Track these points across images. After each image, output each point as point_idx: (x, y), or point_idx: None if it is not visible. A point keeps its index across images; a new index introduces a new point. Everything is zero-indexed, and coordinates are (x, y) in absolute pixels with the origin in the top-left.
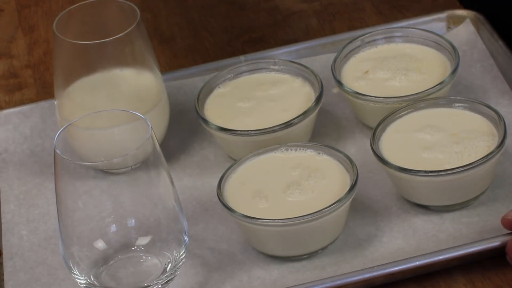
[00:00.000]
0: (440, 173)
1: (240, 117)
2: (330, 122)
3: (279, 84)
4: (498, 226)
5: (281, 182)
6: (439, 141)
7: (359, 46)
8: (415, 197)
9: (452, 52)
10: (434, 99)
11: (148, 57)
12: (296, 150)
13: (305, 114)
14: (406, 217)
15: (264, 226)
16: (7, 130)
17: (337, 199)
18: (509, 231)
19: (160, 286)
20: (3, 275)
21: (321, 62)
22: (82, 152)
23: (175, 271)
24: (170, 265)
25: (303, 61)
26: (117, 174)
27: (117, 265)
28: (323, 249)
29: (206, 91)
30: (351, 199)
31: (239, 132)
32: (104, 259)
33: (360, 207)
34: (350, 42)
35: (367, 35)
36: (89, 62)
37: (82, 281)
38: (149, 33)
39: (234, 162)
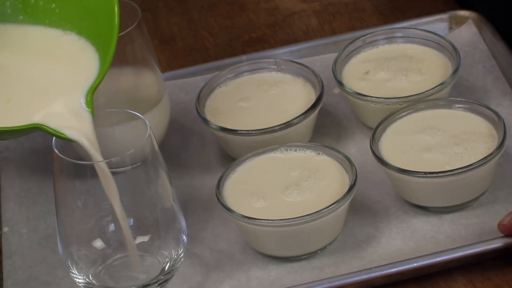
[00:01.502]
0: (439, 174)
1: (240, 116)
2: (331, 122)
3: (280, 84)
4: (497, 228)
5: (280, 182)
6: (439, 142)
7: (360, 46)
8: (414, 198)
9: (453, 52)
10: (434, 100)
11: (149, 56)
12: (295, 150)
13: (305, 114)
14: (405, 218)
15: (262, 227)
16: None
17: (336, 200)
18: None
19: (158, 285)
20: (2, 273)
21: (322, 62)
22: (81, 151)
23: (174, 270)
24: (168, 264)
25: (304, 61)
26: (116, 173)
27: (116, 264)
28: (321, 249)
29: (207, 90)
30: (349, 200)
31: (239, 132)
32: (102, 258)
33: (359, 208)
34: (352, 42)
35: (368, 35)
36: None
37: (80, 280)
38: (149, 33)
39: (233, 162)
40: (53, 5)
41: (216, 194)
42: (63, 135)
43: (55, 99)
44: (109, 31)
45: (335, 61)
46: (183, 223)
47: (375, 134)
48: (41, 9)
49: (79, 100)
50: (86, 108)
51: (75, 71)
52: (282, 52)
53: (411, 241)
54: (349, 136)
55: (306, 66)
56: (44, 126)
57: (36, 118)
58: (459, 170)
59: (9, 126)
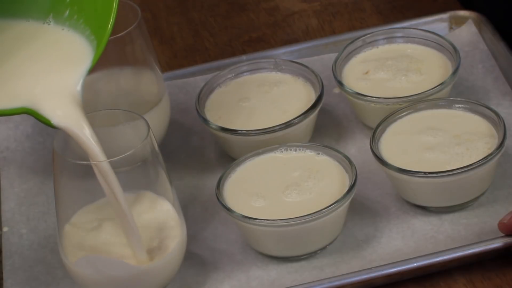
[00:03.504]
0: (439, 174)
1: (240, 117)
2: (331, 122)
3: (280, 84)
4: (497, 228)
5: (280, 182)
6: (440, 142)
7: (360, 46)
8: (414, 198)
9: (453, 52)
10: (434, 100)
11: (149, 56)
12: (295, 150)
13: (305, 114)
14: (405, 218)
15: (262, 227)
16: (9, 128)
17: (335, 200)
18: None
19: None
20: (2, 273)
21: (322, 62)
22: (81, 151)
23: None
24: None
25: (304, 61)
26: (116, 173)
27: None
28: (321, 249)
29: (207, 90)
30: (349, 200)
31: (239, 132)
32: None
33: (359, 208)
34: (352, 42)
35: (368, 35)
36: None
37: (80, 280)
38: (149, 33)
39: (233, 162)
40: None
41: (216, 194)
42: (49, 122)
43: (47, 86)
44: (106, 16)
45: (335, 61)
46: (183, 223)
47: (375, 134)
48: None
49: (71, 87)
50: (79, 96)
51: (65, 59)
52: (282, 52)
53: (411, 241)
54: (349, 136)
55: (306, 66)
56: (33, 111)
57: (25, 102)
58: (459, 170)
59: None
